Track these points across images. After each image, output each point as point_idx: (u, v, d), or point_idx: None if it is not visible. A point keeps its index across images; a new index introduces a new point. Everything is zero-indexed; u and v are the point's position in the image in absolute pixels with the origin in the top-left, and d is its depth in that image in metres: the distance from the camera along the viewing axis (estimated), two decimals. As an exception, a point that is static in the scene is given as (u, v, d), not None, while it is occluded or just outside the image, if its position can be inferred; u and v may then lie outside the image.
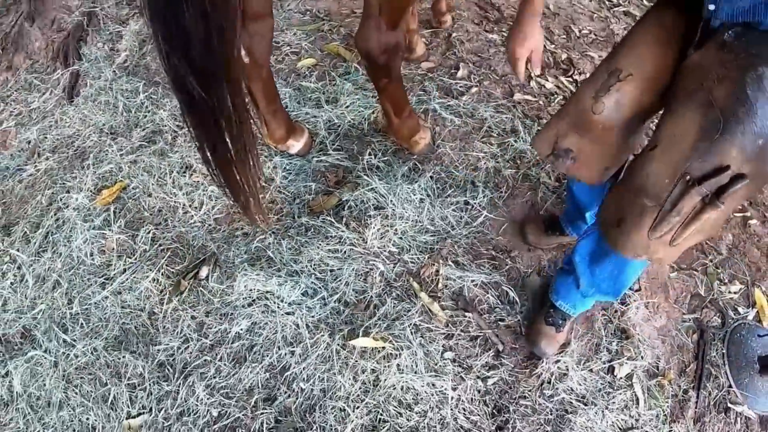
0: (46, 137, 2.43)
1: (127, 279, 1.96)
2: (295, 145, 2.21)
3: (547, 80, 2.72)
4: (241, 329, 1.84)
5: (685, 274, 2.16)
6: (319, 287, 1.92)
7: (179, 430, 1.71)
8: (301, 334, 1.82)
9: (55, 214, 2.15)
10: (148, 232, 2.05)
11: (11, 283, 2.02)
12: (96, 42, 2.78)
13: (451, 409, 1.74)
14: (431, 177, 2.19)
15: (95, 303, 1.93)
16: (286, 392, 1.75)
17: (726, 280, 2.18)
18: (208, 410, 1.72)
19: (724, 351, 2.01)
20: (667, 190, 1.24)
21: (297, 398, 1.74)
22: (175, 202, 2.13)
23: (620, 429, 1.80)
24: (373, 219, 2.04)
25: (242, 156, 1.14)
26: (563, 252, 2.11)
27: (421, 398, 1.75)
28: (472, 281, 1.97)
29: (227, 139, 1.09)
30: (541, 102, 2.59)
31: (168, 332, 1.86)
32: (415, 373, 1.77)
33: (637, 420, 1.82)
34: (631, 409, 1.83)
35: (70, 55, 2.72)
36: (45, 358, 1.85)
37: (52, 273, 2.01)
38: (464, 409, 1.76)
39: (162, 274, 1.96)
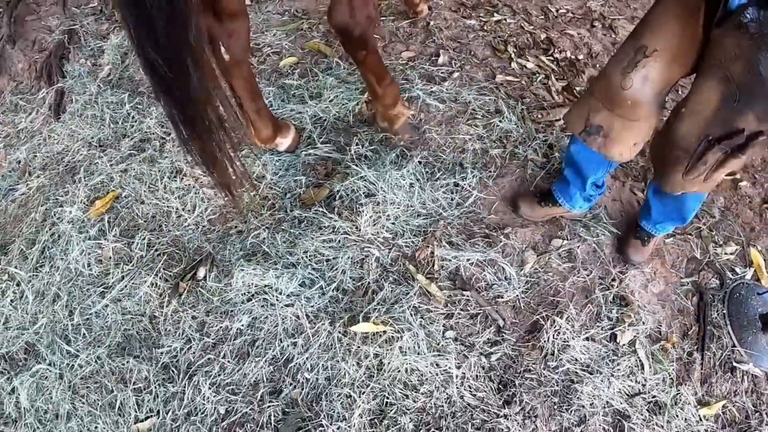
0: (35, 156, 2.44)
1: (125, 286, 1.97)
2: (283, 143, 2.23)
3: (528, 60, 2.75)
4: (242, 325, 1.85)
5: (679, 239, 2.18)
6: (317, 277, 1.93)
7: (188, 430, 1.72)
8: (302, 324, 1.83)
9: (50, 229, 2.16)
10: (144, 239, 2.07)
11: (11, 300, 2.03)
12: (78, 59, 2.79)
13: (457, 388, 1.76)
14: (419, 162, 2.20)
15: (96, 312, 1.94)
16: (291, 384, 1.76)
17: (721, 242, 2.21)
18: (215, 408, 1.73)
19: (724, 311, 2.03)
20: (694, 146, 1.45)
21: (303, 389, 1.75)
22: (167, 206, 2.14)
23: (627, 395, 1.81)
24: (364, 207, 2.06)
25: (211, 131, 1.24)
26: (555, 226, 2.13)
27: (426, 379, 1.76)
28: (468, 260, 1.99)
29: (194, 115, 1.19)
30: (523, 82, 2.61)
31: (170, 334, 1.87)
32: (418, 354, 1.78)
33: (643, 385, 1.83)
34: (636, 375, 1.85)
35: (54, 74, 2.74)
36: (50, 371, 1.86)
37: (51, 287, 2.02)
38: (470, 387, 1.77)
39: (160, 278, 1.97)
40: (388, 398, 1.73)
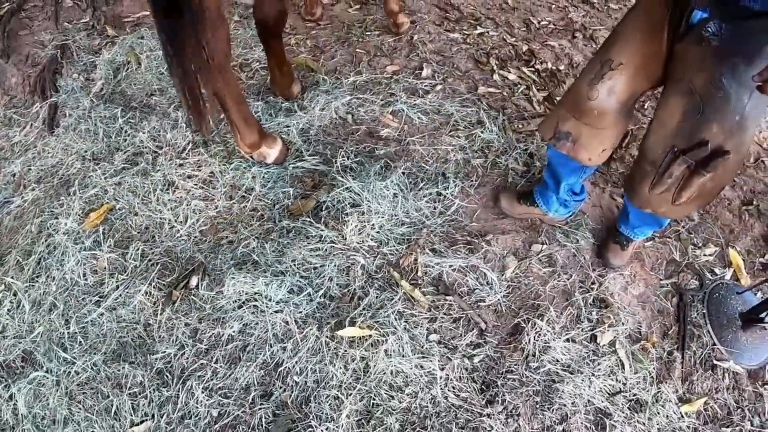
0: (30, 169, 2.50)
1: (120, 295, 2.03)
2: (270, 153, 2.31)
3: (510, 72, 2.84)
4: (234, 331, 1.91)
5: (659, 242, 2.25)
6: (304, 284, 2.00)
7: (182, 433, 1.78)
8: (291, 330, 1.90)
9: (45, 241, 2.21)
10: (138, 249, 2.13)
11: (8, 310, 2.08)
12: (71, 73, 2.86)
13: (441, 388, 1.83)
14: (403, 173, 2.28)
15: (91, 320, 2.00)
16: (281, 387, 1.83)
17: (700, 244, 2.28)
18: (208, 411, 1.79)
19: (704, 311, 2.08)
20: (660, 158, 1.50)
21: (292, 391, 1.82)
22: (160, 218, 2.21)
23: (608, 393, 1.88)
24: (350, 216, 2.14)
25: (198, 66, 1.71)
26: (536, 232, 2.21)
27: (411, 380, 1.83)
28: (450, 266, 2.07)
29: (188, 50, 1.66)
30: (504, 93, 2.70)
31: (164, 341, 1.93)
32: (403, 356, 1.86)
33: (624, 384, 1.90)
34: (617, 374, 1.91)
35: (47, 88, 2.80)
36: (47, 377, 1.91)
37: (47, 296, 2.08)
38: (454, 387, 1.84)
39: (154, 287, 2.04)
40: (374, 399, 1.80)
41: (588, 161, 1.72)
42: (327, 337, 1.89)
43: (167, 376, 1.87)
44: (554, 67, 2.93)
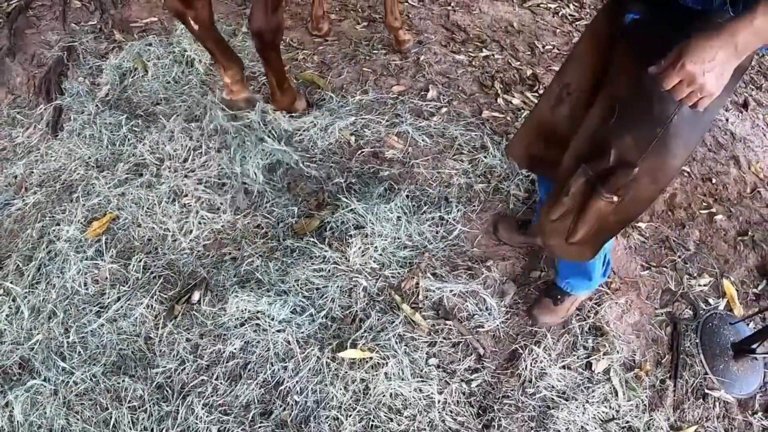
0: (32, 171, 2.49)
1: (121, 306, 2.04)
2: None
3: (514, 96, 2.88)
4: (235, 348, 1.93)
5: (655, 272, 2.29)
6: (307, 305, 2.02)
7: (180, 448, 1.79)
8: (293, 349, 1.92)
9: (46, 247, 2.21)
10: (140, 261, 2.13)
11: (6, 315, 2.07)
12: (77, 76, 2.85)
13: (439, 412, 1.85)
14: (407, 196, 2.31)
15: (91, 331, 2.00)
16: (281, 405, 1.84)
17: (695, 274, 2.32)
18: (207, 427, 1.80)
19: (697, 341, 2.12)
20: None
21: (292, 411, 1.84)
22: (164, 231, 2.22)
23: (602, 420, 1.90)
24: (354, 238, 2.16)
25: None
26: (536, 259, 2.25)
27: (410, 403, 1.86)
28: (451, 291, 2.10)
29: None
30: (508, 118, 2.74)
31: (165, 355, 1.94)
32: (403, 380, 1.88)
33: (617, 411, 1.92)
34: (610, 401, 1.94)
35: (53, 90, 2.79)
36: (44, 386, 1.90)
37: (47, 304, 2.07)
38: (451, 411, 1.87)
39: (155, 300, 2.04)
40: (373, 421, 1.82)
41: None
42: (328, 358, 1.91)
43: (167, 391, 1.87)
44: (556, 93, 2.97)
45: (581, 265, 1.80)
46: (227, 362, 1.91)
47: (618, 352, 2.04)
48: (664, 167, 1.23)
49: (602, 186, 1.25)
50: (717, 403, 2.00)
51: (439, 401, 1.86)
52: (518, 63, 3.10)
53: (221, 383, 1.88)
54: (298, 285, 2.06)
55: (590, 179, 1.27)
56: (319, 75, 2.80)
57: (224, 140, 2.49)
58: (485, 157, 2.50)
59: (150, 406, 1.84)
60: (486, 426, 1.86)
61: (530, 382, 1.95)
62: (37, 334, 2.02)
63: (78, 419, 1.85)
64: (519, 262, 2.23)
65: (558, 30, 3.47)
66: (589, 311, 2.14)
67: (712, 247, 2.42)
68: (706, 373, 2.05)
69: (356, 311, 2.03)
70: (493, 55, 3.09)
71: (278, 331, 1.95)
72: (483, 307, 2.10)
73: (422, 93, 2.77)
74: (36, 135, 2.65)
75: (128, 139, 2.52)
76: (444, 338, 2.01)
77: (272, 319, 1.97)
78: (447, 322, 2.04)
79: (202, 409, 1.82)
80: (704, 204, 2.55)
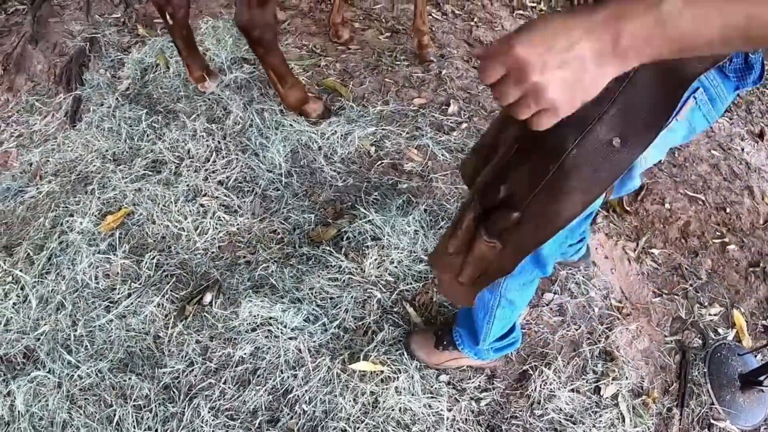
0: (48, 160, 2.48)
1: (131, 303, 2.02)
2: (209, 86, 2.65)
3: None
4: (245, 353, 1.91)
5: (666, 299, 2.28)
6: (320, 314, 2.01)
7: (184, 451, 1.77)
8: (303, 358, 1.90)
9: (59, 237, 2.19)
10: (153, 258, 2.12)
11: (14, 303, 2.05)
12: (98, 68, 2.85)
13: (447, 429, 1.84)
14: (425, 210, 2.30)
15: (100, 326, 1.98)
16: (289, 414, 1.83)
17: (706, 304, 2.31)
18: (213, 431, 1.79)
19: (705, 370, 2.11)
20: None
21: (300, 420, 1.82)
22: (178, 229, 2.21)
23: (608, 446, 1.89)
24: (370, 249, 2.15)
25: None
26: (548, 280, 2.24)
27: (419, 418, 1.84)
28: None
29: None
30: (526, 138, 2.73)
31: (173, 355, 1.92)
32: (412, 395, 1.86)
33: (623, 437, 1.91)
34: (617, 427, 1.92)
35: (73, 80, 2.79)
36: (48, 378, 1.89)
37: (56, 295, 2.06)
38: (459, 429, 1.85)
39: (166, 299, 2.03)
40: (381, 435, 1.81)
41: None
42: (339, 368, 1.89)
43: (174, 392, 1.86)
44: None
45: (472, 320, 1.64)
46: (236, 367, 1.90)
47: (627, 378, 2.03)
48: (550, 214, 1.00)
49: (483, 225, 1.08)
50: (721, 434, 1.99)
51: (447, 418, 1.85)
52: (537, 83, 3.10)
53: (229, 387, 1.86)
54: (312, 293, 2.05)
55: (477, 216, 1.10)
56: (341, 83, 2.79)
57: (247, 137, 2.50)
58: (503, 175, 2.49)
59: (155, 406, 1.83)
60: (493, 446, 1.85)
61: (539, 403, 1.94)
62: (44, 324, 2.01)
63: (81, 414, 1.83)
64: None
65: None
66: (600, 335, 2.13)
67: (724, 276, 2.42)
68: (713, 403, 2.04)
69: (369, 323, 2.01)
70: (513, 73, 3.09)
71: (290, 338, 1.94)
72: (495, 326, 2.08)
73: (443, 107, 2.76)
74: (54, 124, 2.65)
75: (147, 135, 2.51)
76: (455, 356, 1.99)
77: (285, 327, 1.95)
78: (459, 339, 2.03)
79: (209, 412, 1.81)
80: (717, 233, 2.55)
